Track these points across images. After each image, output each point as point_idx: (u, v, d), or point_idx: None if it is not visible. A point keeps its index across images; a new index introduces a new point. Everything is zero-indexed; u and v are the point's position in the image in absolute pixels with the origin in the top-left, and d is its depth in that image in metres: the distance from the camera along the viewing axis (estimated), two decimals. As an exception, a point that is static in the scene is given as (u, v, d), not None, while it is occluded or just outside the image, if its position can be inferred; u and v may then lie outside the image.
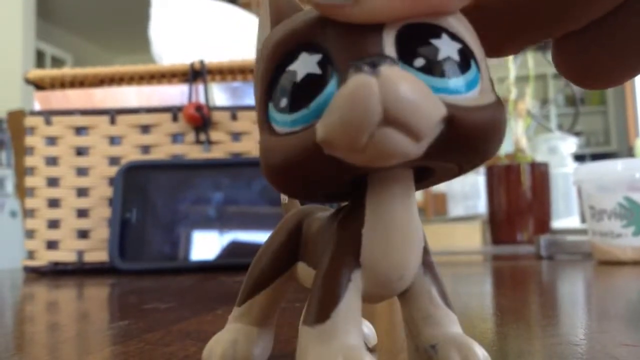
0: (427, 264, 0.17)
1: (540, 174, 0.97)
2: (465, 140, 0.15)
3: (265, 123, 0.16)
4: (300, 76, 0.16)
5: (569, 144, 1.12)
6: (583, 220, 1.06)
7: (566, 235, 0.80)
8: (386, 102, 0.13)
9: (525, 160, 1.00)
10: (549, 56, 0.19)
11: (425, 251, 0.17)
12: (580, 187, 0.66)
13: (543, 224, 0.96)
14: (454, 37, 0.15)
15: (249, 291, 0.21)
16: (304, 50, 0.16)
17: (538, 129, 1.20)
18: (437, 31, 0.15)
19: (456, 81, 0.15)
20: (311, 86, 0.15)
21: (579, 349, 0.22)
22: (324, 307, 0.16)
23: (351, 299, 0.16)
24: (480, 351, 0.17)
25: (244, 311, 0.21)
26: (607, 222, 0.60)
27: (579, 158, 1.48)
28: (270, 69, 0.16)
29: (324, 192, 0.17)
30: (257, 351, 0.21)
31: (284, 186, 0.16)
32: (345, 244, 0.17)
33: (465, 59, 0.15)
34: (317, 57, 0.15)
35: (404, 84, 0.14)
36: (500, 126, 0.15)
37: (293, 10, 0.18)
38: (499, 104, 0.16)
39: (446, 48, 0.15)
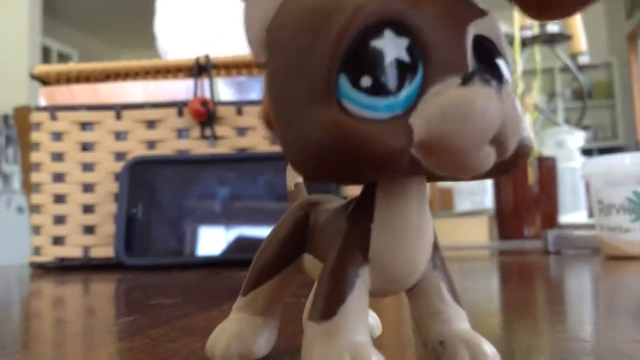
0: (436, 259, 0.17)
1: (548, 168, 0.97)
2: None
3: (330, 96, 0.14)
4: (388, 59, 0.14)
5: (577, 138, 1.11)
6: (590, 215, 1.05)
7: (574, 230, 0.79)
8: (506, 122, 0.13)
9: (533, 154, 0.99)
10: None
11: (435, 247, 0.17)
12: (588, 182, 0.66)
13: (550, 219, 0.95)
14: (500, 54, 0.15)
15: (254, 281, 0.21)
16: (390, 28, 0.14)
17: (545, 123, 1.20)
18: (497, 52, 0.15)
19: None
20: (398, 72, 0.14)
21: (587, 345, 0.21)
22: (331, 303, 0.16)
23: (358, 296, 0.16)
24: (489, 348, 0.16)
25: (249, 301, 0.21)
26: (616, 217, 0.60)
27: (587, 152, 1.47)
28: (348, 36, 0.14)
29: (348, 180, 0.15)
30: (261, 342, 0.21)
31: (325, 169, 0.14)
32: (354, 239, 0.16)
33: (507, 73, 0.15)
34: (404, 41, 0.14)
35: (518, 105, 0.14)
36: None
37: None
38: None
39: (504, 65, 0.15)
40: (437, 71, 0.14)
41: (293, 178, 0.24)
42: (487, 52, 0.15)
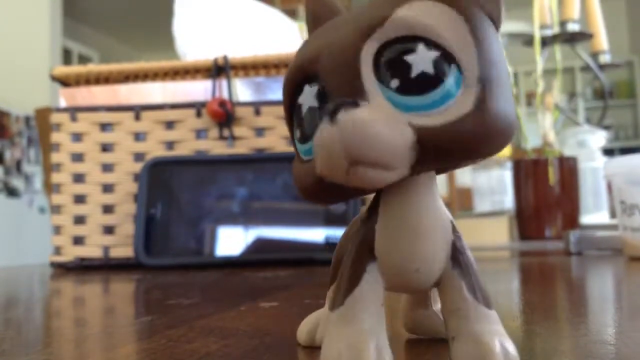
0: (455, 258, 0.18)
1: (569, 168, 0.96)
2: (445, 154, 0.15)
3: (295, 148, 0.19)
4: (304, 110, 0.17)
5: (598, 138, 1.10)
6: (612, 215, 1.04)
7: (596, 230, 0.78)
8: (346, 148, 0.15)
9: (553, 154, 0.98)
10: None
11: (455, 247, 0.18)
12: (610, 182, 0.65)
13: (572, 219, 0.94)
14: (431, 44, 0.15)
15: (333, 274, 0.22)
16: (307, 82, 0.17)
17: (566, 123, 1.18)
18: (413, 44, 0.16)
19: (430, 96, 0.15)
20: (313, 118, 0.17)
21: (611, 348, 0.21)
22: (340, 295, 0.17)
23: (367, 289, 0.17)
24: (499, 347, 0.16)
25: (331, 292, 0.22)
26: (639, 217, 0.59)
27: (608, 152, 1.46)
28: (288, 101, 0.18)
29: (351, 197, 0.18)
30: None
31: (314, 202, 0.18)
32: (363, 238, 0.18)
33: (442, 68, 0.15)
34: (314, 88, 0.17)
35: (356, 128, 0.15)
36: (484, 131, 0.15)
37: (331, 13, 0.19)
38: (481, 108, 0.15)
39: (420, 62, 0.15)
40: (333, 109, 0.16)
41: None
42: (398, 52, 0.16)
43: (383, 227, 0.18)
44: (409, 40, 0.16)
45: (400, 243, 0.17)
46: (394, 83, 0.15)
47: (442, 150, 0.15)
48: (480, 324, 0.17)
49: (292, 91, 0.18)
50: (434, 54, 0.15)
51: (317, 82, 0.17)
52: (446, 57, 0.15)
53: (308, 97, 0.17)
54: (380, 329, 0.17)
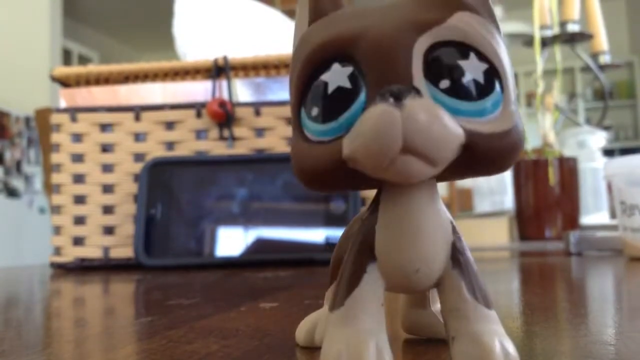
0: (455, 259, 0.18)
1: (569, 168, 0.95)
2: (482, 163, 0.16)
3: (298, 127, 0.18)
4: (331, 88, 0.17)
5: (598, 138, 1.10)
6: (612, 216, 1.04)
7: (596, 231, 0.78)
8: (407, 133, 0.14)
9: (553, 154, 0.98)
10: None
11: (455, 247, 0.18)
12: (610, 182, 0.65)
13: (572, 220, 0.94)
14: (481, 56, 0.16)
15: (332, 273, 0.22)
16: (337, 61, 0.17)
17: (566, 123, 1.18)
18: (466, 51, 0.16)
19: (479, 104, 0.16)
20: (341, 99, 0.16)
21: (611, 349, 0.21)
22: (340, 295, 0.17)
23: (366, 290, 0.17)
24: (499, 347, 0.17)
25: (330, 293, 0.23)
26: (639, 218, 0.59)
27: (608, 152, 1.46)
28: (304, 76, 0.17)
29: (350, 189, 0.18)
30: None
31: (313, 187, 0.18)
32: (363, 238, 0.18)
33: (490, 80, 0.16)
34: (348, 69, 0.16)
35: (424, 116, 0.15)
36: (516, 150, 0.16)
37: (334, 6, 0.19)
38: (517, 128, 0.16)
39: (472, 70, 0.16)
40: (374, 93, 0.15)
41: None
42: (450, 56, 0.16)
43: (383, 227, 0.18)
44: (460, 47, 0.16)
45: (401, 243, 0.17)
46: (444, 84, 0.16)
47: (484, 157, 0.16)
48: (480, 324, 0.17)
49: (314, 67, 0.17)
50: (485, 65, 0.16)
51: (350, 64, 0.16)
52: (493, 72, 0.16)
53: (338, 76, 0.17)
54: (380, 329, 0.17)
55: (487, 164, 0.16)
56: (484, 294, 0.18)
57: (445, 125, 0.15)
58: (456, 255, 0.18)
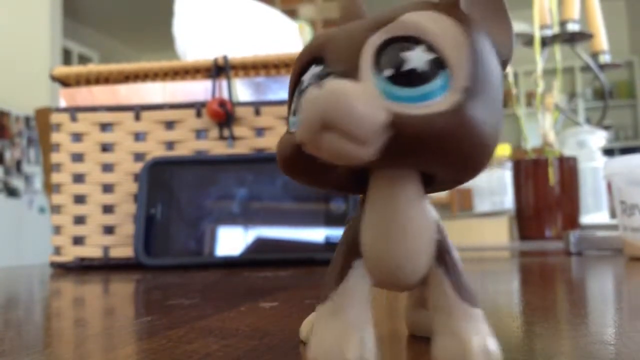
0: (440, 257, 0.18)
1: (569, 168, 0.96)
2: (416, 145, 0.16)
3: (287, 123, 0.20)
4: (304, 85, 0.19)
5: (598, 138, 1.10)
6: (612, 215, 1.04)
7: (596, 231, 0.78)
8: (324, 111, 0.15)
9: (553, 154, 0.98)
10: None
11: (440, 246, 0.18)
12: (610, 182, 0.65)
13: (572, 220, 0.94)
14: (431, 49, 0.17)
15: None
16: (314, 63, 0.19)
17: (566, 123, 1.18)
18: (414, 44, 0.17)
19: (417, 90, 0.16)
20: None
21: (611, 348, 0.21)
22: (327, 289, 0.18)
23: (352, 283, 0.18)
24: (479, 344, 0.17)
25: None
26: (639, 217, 0.59)
27: (608, 152, 1.46)
28: (293, 81, 0.20)
29: (331, 184, 0.19)
30: None
31: (289, 174, 0.19)
32: (350, 235, 0.19)
33: (434, 69, 0.17)
34: (319, 68, 0.18)
35: (341, 94, 0.15)
36: (457, 133, 0.16)
37: (357, 14, 0.21)
38: (459, 111, 0.16)
39: (415, 60, 0.17)
40: None
41: None
42: (398, 49, 0.17)
43: (368, 224, 0.18)
44: (412, 42, 0.17)
45: (384, 240, 0.18)
46: (387, 72, 0.17)
47: (412, 138, 0.16)
48: (463, 321, 0.17)
49: (299, 70, 0.19)
50: (429, 56, 0.17)
51: (322, 64, 0.18)
52: (440, 63, 0.17)
53: (310, 75, 0.18)
54: (365, 323, 0.18)
55: (423, 146, 0.16)
56: (469, 292, 0.18)
57: (353, 103, 0.15)
58: (441, 254, 0.18)
